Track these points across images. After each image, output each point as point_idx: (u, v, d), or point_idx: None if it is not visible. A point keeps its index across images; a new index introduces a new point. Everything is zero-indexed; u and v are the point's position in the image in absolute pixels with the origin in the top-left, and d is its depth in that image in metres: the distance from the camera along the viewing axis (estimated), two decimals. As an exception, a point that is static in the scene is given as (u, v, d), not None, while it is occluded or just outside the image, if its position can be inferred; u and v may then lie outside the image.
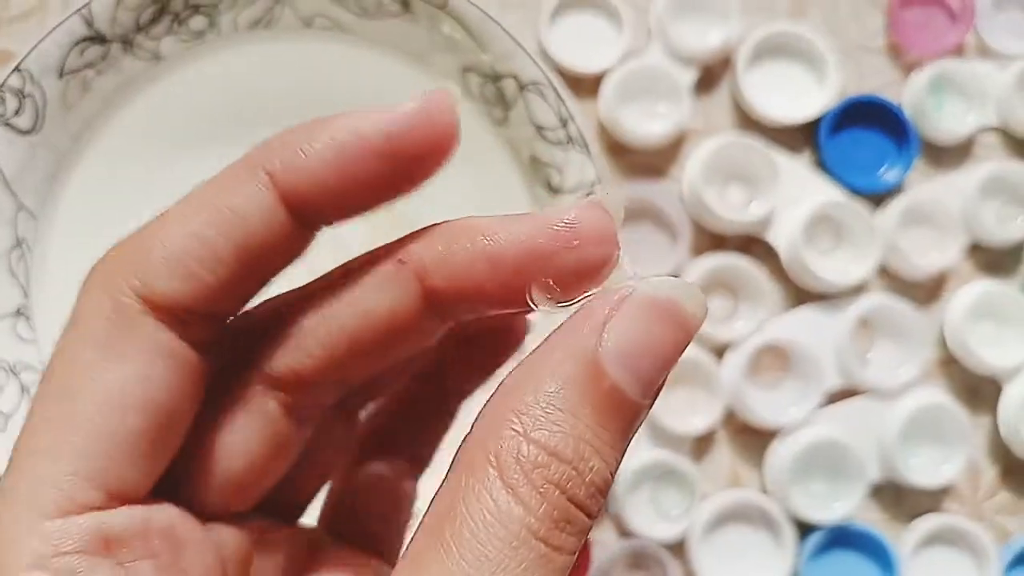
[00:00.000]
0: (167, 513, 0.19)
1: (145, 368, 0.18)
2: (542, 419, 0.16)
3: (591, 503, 0.17)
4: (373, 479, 0.25)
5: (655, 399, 0.18)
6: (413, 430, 0.26)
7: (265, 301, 0.21)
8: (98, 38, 0.38)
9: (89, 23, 0.38)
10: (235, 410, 0.20)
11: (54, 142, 0.40)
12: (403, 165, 0.18)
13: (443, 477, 0.17)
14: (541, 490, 0.16)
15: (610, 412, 0.17)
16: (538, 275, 0.18)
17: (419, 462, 0.26)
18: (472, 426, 0.17)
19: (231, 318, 0.20)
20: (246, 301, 0.20)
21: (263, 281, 0.20)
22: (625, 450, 0.17)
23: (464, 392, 0.25)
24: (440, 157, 0.19)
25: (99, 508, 0.18)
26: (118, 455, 0.18)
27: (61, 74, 0.38)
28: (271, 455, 0.21)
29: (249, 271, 0.19)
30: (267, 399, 0.20)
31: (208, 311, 0.19)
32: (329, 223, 0.19)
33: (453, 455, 0.18)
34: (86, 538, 0.17)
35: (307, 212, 0.19)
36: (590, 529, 0.17)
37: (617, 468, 0.17)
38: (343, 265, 0.20)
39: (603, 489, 0.17)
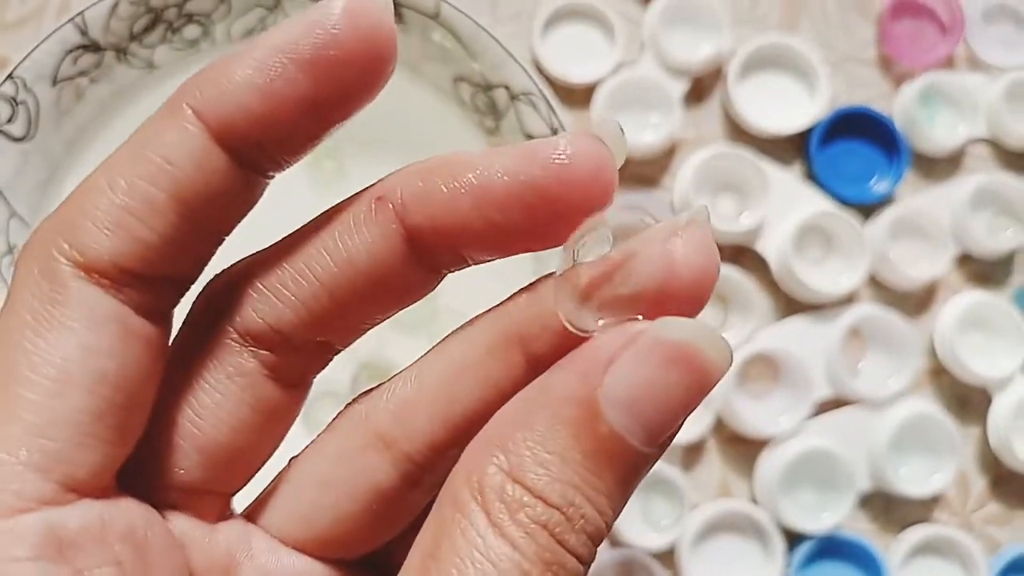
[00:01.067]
0: (128, 511, 0.17)
1: (86, 337, 0.16)
2: (528, 459, 0.15)
3: (584, 551, 0.15)
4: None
5: (665, 447, 0.16)
6: None
7: (239, 260, 0.19)
8: (92, 46, 0.38)
9: (83, 31, 0.38)
10: (211, 373, 0.18)
11: (47, 150, 0.40)
12: (337, 78, 0.16)
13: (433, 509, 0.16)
14: (529, 530, 0.15)
15: (606, 459, 0.15)
16: (527, 211, 0.16)
17: None
18: (462, 456, 0.16)
19: (193, 284, 0.18)
20: (201, 261, 0.18)
21: (215, 236, 0.17)
22: (627, 498, 0.16)
23: None
24: (379, 65, 0.16)
25: (52, 503, 0.16)
26: (66, 438, 0.16)
27: (54, 82, 0.38)
28: (258, 423, 0.18)
29: (194, 224, 0.17)
30: (245, 357, 0.18)
31: (154, 272, 0.17)
32: (276, 162, 0.17)
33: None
34: (37, 541, 0.15)
35: (244, 148, 0.16)
36: (584, 575, 0.16)
37: (615, 517, 0.16)
38: (320, 214, 0.18)
39: (596, 538, 0.16)
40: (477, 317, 0.19)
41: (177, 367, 0.18)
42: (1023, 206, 0.48)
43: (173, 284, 0.17)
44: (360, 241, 0.17)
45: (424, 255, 0.17)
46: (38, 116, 0.39)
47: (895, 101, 0.49)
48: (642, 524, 0.45)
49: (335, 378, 0.44)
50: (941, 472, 0.46)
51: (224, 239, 0.18)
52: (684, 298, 0.16)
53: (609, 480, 0.15)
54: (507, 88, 0.39)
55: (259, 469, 0.19)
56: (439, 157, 0.17)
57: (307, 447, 0.20)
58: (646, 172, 0.47)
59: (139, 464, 0.18)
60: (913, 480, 0.46)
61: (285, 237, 0.18)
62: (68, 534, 0.16)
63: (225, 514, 0.19)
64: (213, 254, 0.18)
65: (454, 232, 0.17)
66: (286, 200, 0.44)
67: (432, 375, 0.19)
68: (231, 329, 0.18)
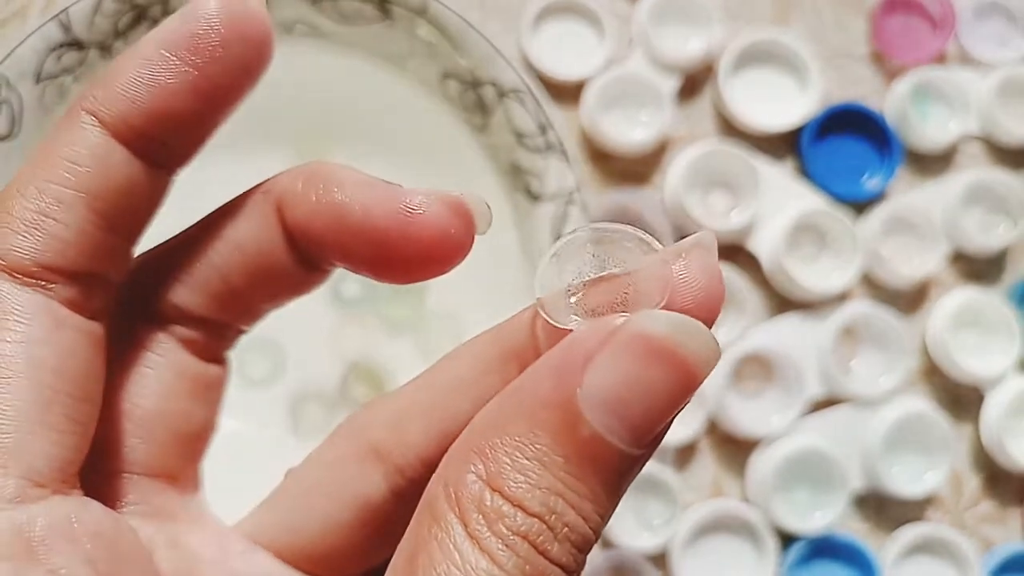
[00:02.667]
0: (95, 510, 0.17)
1: (19, 330, 0.16)
2: (507, 466, 0.15)
3: (569, 560, 0.15)
4: None
5: (654, 447, 0.16)
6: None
7: (151, 248, 0.20)
8: (75, 44, 0.38)
9: (66, 29, 0.37)
10: (133, 350, 0.19)
11: (31, 148, 0.39)
12: (218, 64, 0.17)
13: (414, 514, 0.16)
14: (508, 542, 0.14)
15: (590, 463, 0.15)
16: (372, 247, 0.17)
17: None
18: (441, 464, 0.16)
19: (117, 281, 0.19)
20: (120, 259, 0.18)
21: (129, 233, 0.18)
22: (616, 502, 0.15)
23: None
24: (256, 47, 0.17)
25: (17, 501, 0.15)
26: (17, 430, 0.16)
27: (38, 79, 0.38)
28: (185, 389, 0.19)
29: (105, 220, 0.17)
30: (161, 336, 0.19)
31: (75, 268, 0.17)
32: (176, 154, 0.18)
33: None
34: (5, 541, 0.15)
35: (143, 142, 0.17)
36: None
37: (604, 522, 0.15)
38: (223, 204, 0.19)
39: (582, 546, 0.15)
40: (479, 336, 0.19)
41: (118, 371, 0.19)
42: (1015, 203, 0.48)
43: (98, 281, 0.18)
44: (246, 230, 0.18)
45: (302, 251, 0.18)
46: (22, 114, 0.38)
47: (887, 97, 0.49)
48: (634, 525, 0.44)
49: (323, 380, 0.43)
50: (934, 471, 0.46)
51: (140, 236, 0.18)
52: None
53: (594, 484, 0.15)
54: (495, 85, 0.39)
55: (204, 444, 0.20)
56: (327, 165, 0.18)
57: (305, 459, 0.20)
58: (637, 169, 0.47)
59: (91, 457, 0.18)
60: (906, 479, 0.45)
61: (191, 225, 0.19)
62: (37, 533, 0.15)
63: (190, 506, 0.19)
64: (132, 252, 0.18)
65: (316, 238, 0.18)
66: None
67: (429, 389, 0.19)
68: (148, 312, 0.19)
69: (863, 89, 0.49)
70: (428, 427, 0.19)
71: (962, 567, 0.46)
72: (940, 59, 0.49)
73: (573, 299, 0.16)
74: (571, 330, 0.16)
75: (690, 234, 0.17)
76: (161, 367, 0.19)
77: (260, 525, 0.20)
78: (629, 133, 0.46)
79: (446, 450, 0.17)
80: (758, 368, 0.46)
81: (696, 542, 0.45)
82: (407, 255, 0.17)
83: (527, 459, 0.15)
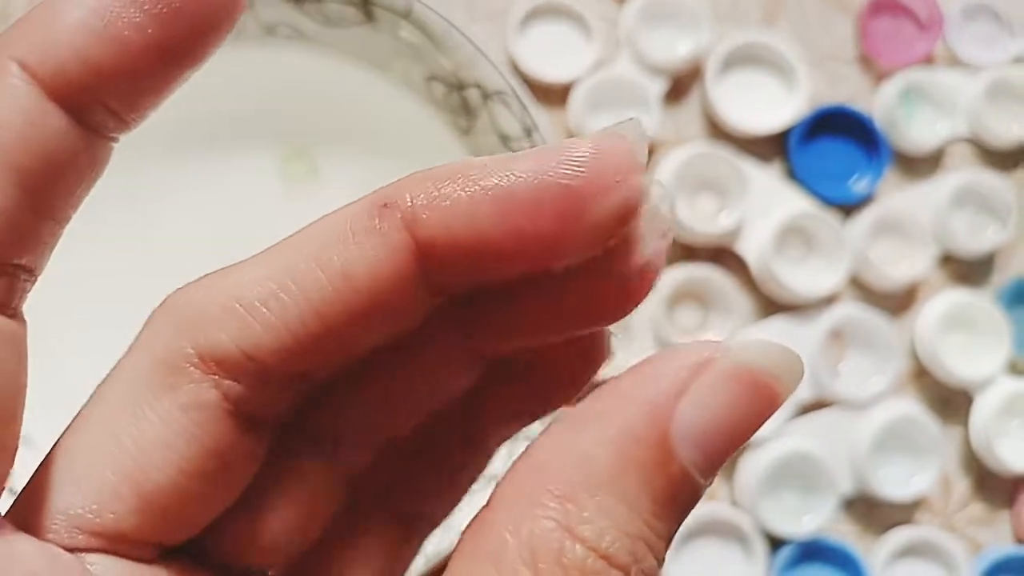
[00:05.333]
0: (28, 557, 0.14)
1: None
2: (591, 509, 0.13)
3: None
4: (360, 542, 0.19)
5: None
6: (423, 483, 0.19)
7: (207, 274, 0.16)
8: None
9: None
10: (160, 403, 0.15)
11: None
12: (186, 18, 0.14)
13: (452, 567, 0.14)
14: None
15: (671, 500, 0.14)
16: (557, 215, 0.14)
17: (425, 522, 0.19)
18: (493, 501, 0.14)
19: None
20: (45, 245, 0.15)
21: (59, 213, 0.15)
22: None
23: (500, 439, 0.19)
24: (228, 4, 0.14)
25: None
26: None
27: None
28: (211, 468, 0.15)
29: (32, 198, 0.14)
30: (204, 387, 0.15)
31: (2, 259, 0.14)
32: (121, 119, 0.15)
33: (462, 534, 0.14)
34: None
35: (84, 104, 0.14)
36: None
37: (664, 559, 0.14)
38: (307, 225, 0.16)
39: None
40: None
41: (118, 393, 0.15)
42: (1004, 205, 0.47)
43: (21, 271, 0.15)
44: (360, 253, 0.15)
45: (434, 272, 0.15)
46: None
47: (875, 99, 0.49)
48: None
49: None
50: (923, 473, 0.45)
51: (69, 218, 0.15)
52: None
53: (670, 521, 0.14)
54: (480, 87, 0.38)
55: (205, 524, 0.16)
56: (450, 164, 0.15)
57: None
58: (624, 172, 0.47)
59: (57, 503, 0.15)
60: (895, 482, 0.45)
61: (265, 249, 0.16)
62: None
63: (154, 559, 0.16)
64: (58, 238, 0.15)
65: (472, 244, 0.15)
66: (256, 203, 0.44)
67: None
68: (192, 352, 0.15)
69: (851, 91, 0.49)
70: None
71: (952, 570, 0.46)
72: (928, 61, 0.49)
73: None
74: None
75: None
76: (189, 435, 0.15)
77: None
78: (616, 135, 0.45)
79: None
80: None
81: (685, 546, 0.44)
82: (600, 203, 0.14)
83: (615, 499, 0.13)
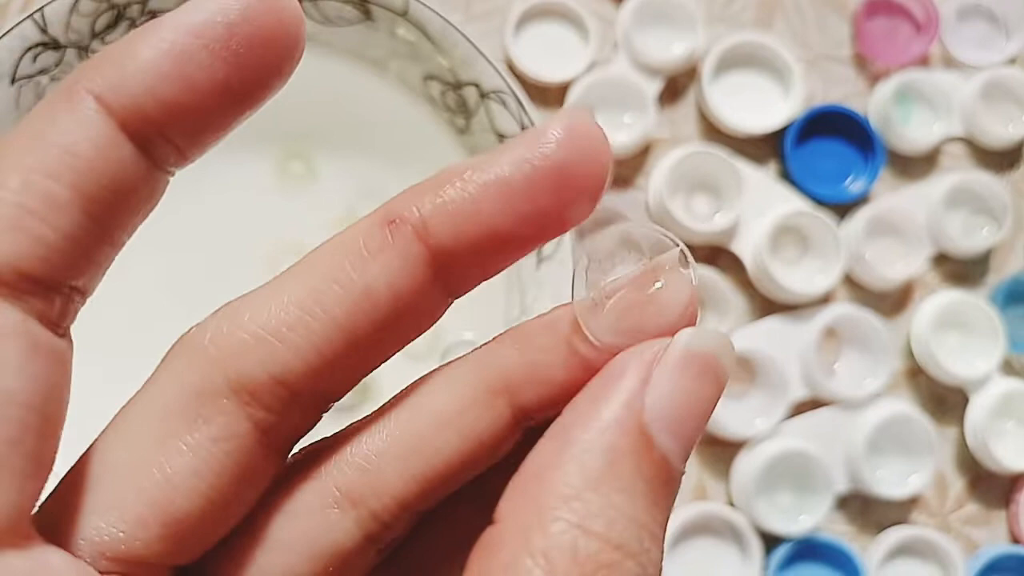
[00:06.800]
0: (58, 567, 0.14)
1: None
2: (595, 503, 0.14)
3: None
4: None
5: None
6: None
7: (228, 302, 0.17)
8: (52, 44, 0.37)
9: (42, 29, 0.37)
10: (191, 435, 0.16)
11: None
12: (250, 61, 0.15)
13: None
14: None
15: (661, 487, 0.14)
16: (552, 193, 0.16)
17: None
18: (497, 517, 0.15)
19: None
20: (101, 268, 0.16)
21: (117, 238, 0.16)
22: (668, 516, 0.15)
23: None
24: (289, 44, 0.15)
25: None
26: None
27: (13, 80, 0.37)
28: (234, 493, 0.16)
29: (98, 223, 0.15)
30: (238, 419, 0.16)
31: (57, 277, 0.15)
32: (183, 154, 0.16)
33: (469, 558, 0.15)
34: None
35: (151, 137, 0.15)
36: None
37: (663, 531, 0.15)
38: (317, 247, 0.16)
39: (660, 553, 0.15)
40: (456, 362, 0.17)
41: (147, 423, 0.16)
42: (998, 205, 0.48)
43: (77, 294, 0.15)
44: (379, 269, 0.16)
45: (448, 275, 0.16)
46: (-3, 116, 0.38)
47: (870, 100, 0.49)
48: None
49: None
50: (918, 473, 0.45)
51: (124, 244, 0.16)
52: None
53: (663, 509, 0.15)
54: (477, 86, 0.38)
55: (217, 540, 0.17)
56: (440, 171, 0.16)
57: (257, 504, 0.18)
58: (620, 172, 0.47)
59: (82, 526, 0.15)
60: (890, 481, 0.45)
61: (280, 274, 0.16)
62: None
63: None
64: (111, 261, 0.16)
65: (483, 237, 0.16)
66: (254, 203, 0.44)
67: (407, 427, 0.17)
68: (224, 385, 0.16)
69: (846, 91, 0.49)
70: (406, 469, 0.17)
71: (947, 569, 0.46)
72: (923, 61, 0.50)
73: (606, 310, 0.16)
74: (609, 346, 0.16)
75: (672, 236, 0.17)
76: (219, 466, 0.16)
77: None
78: (612, 135, 0.45)
79: (425, 489, 0.16)
80: (742, 370, 0.46)
81: (680, 545, 0.44)
82: (586, 173, 0.16)
83: (616, 490, 0.14)
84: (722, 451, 0.46)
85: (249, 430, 0.16)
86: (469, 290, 0.17)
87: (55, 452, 0.15)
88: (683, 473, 0.15)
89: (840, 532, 0.46)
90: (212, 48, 0.15)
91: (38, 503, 0.15)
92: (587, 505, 0.14)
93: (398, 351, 0.17)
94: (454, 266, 0.16)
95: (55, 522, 0.15)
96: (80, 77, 0.15)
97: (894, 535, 0.46)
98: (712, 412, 0.15)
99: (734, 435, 0.45)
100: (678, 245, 0.16)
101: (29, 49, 0.37)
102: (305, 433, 0.17)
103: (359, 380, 0.17)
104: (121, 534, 0.15)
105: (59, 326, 0.15)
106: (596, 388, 0.15)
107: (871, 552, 0.46)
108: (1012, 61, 0.50)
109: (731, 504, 0.46)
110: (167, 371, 0.16)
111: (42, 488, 0.15)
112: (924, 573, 0.46)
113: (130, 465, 0.16)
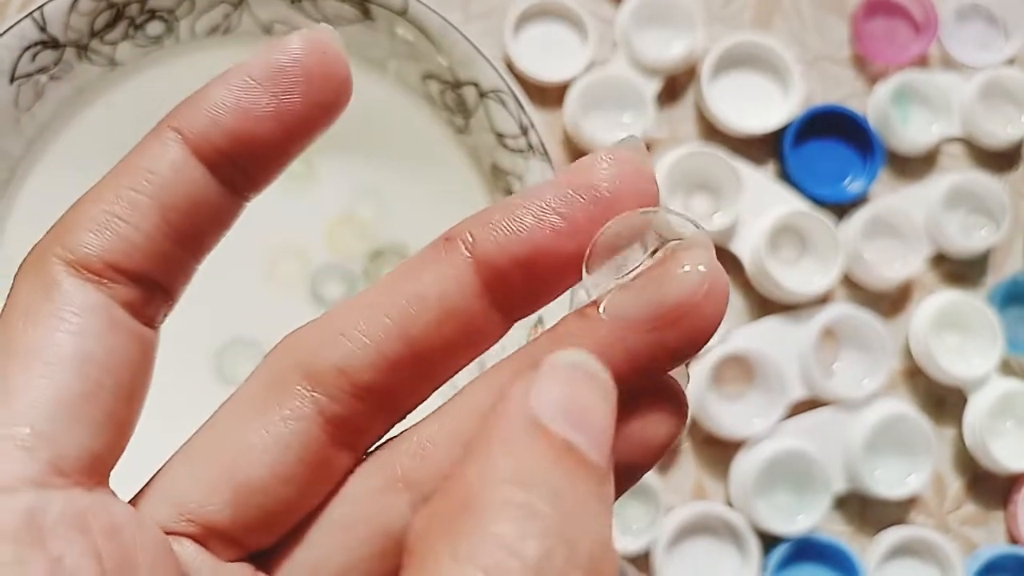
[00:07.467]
0: (116, 510, 0.17)
1: (74, 323, 0.17)
2: (519, 508, 0.15)
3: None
4: None
5: (611, 471, 0.16)
6: None
7: (318, 317, 0.19)
8: (51, 43, 0.37)
9: (41, 27, 0.37)
10: (266, 413, 0.18)
11: (7, 149, 0.39)
12: (300, 99, 0.18)
13: None
14: None
15: (575, 471, 0.15)
16: (593, 224, 0.17)
17: None
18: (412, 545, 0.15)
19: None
20: (184, 272, 0.19)
21: (196, 247, 0.19)
22: (611, 520, 0.16)
23: None
24: (339, 89, 0.18)
25: (37, 484, 0.16)
26: (53, 418, 0.16)
27: (12, 78, 0.37)
28: (300, 475, 0.18)
29: (175, 229, 0.18)
30: (304, 401, 0.18)
31: (139, 269, 0.18)
32: (250, 179, 0.19)
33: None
34: (15, 523, 0.15)
35: (223, 164, 0.18)
36: None
37: (611, 536, 0.16)
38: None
39: (611, 558, 0.16)
40: (502, 361, 0.19)
41: (233, 409, 0.19)
42: (997, 205, 0.48)
43: (159, 289, 0.18)
44: (430, 276, 0.18)
45: (500, 298, 0.18)
46: (-3, 114, 0.38)
47: (869, 100, 0.49)
48: (616, 528, 0.44)
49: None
50: (917, 473, 0.46)
51: (205, 255, 0.19)
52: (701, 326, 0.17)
53: (593, 496, 0.16)
54: (476, 85, 0.38)
55: (288, 529, 0.19)
56: (493, 206, 0.18)
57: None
58: (619, 172, 0.47)
59: (166, 489, 0.18)
60: (889, 481, 0.45)
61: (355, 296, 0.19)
62: (48, 520, 0.16)
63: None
64: (195, 269, 0.19)
65: (526, 255, 0.17)
66: (255, 204, 0.44)
67: (453, 417, 0.19)
68: (295, 373, 0.18)
69: (845, 92, 0.49)
70: (451, 451, 0.18)
71: (946, 569, 0.46)
72: (922, 62, 0.50)
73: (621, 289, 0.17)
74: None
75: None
76: (285, 442, 0.18)
77: (284, 565, 0.19)
78: (611, 135, 0.45)
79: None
80: (740, 370, 0.46)
81: (679, 545, 0.45)
82: (642, 189, 0.17)
83: (535, 484, 0.15)
84: (720, 451, 0.46)
85: (313, 413, 0.18)
86: (528, 314, 0.19)
87: (132, 417, 0.18)
88: (606, 472, 0.16)
89: (838, 532, 0.47)
90: (264, 85, 0.18)
91: (116, 463, 0.17)
92: (519, 510, 0.15)
93: (459, 368, 0.19)
94: (506, 286, 0.18)
95: (147, 486, 0.18)
96: (168, 116, 0.18)
97: (892, 535, 0.46)
98: (610, 417, 0.16)
99: (732, 435, 0.45)
100: (698, 227, 0.17)
101: (28, 48, 0.37)
102: (377, 437, 0.19)
103: (426, 394, 0.19)
104: (197, 495, 0.18)
105: (142, 315, 0.18)
106: (488, 416, 0.16)
107: (869, 552, 0.46)
108: (1011, 61, 0.50)
109: (729, 504, 0.46)
110: (261, 366, 0.19)
111: (120, 446, 0.17)
112: (922, 573, 0.46)
113: (212, 442, 0.18)
